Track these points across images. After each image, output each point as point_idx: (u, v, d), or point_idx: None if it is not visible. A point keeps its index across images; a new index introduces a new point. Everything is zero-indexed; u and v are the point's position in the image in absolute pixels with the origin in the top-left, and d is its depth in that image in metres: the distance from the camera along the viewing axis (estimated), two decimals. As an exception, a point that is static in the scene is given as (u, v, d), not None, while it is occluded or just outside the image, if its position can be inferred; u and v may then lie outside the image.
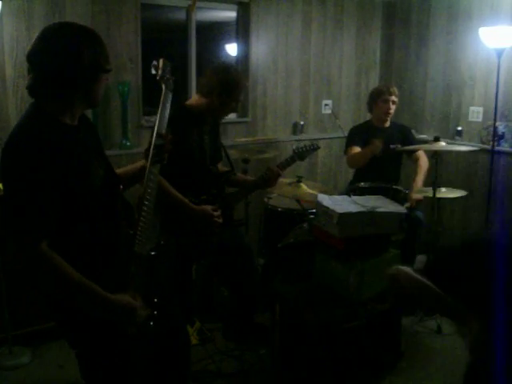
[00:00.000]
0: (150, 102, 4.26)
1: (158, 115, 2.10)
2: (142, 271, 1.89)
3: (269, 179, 3.30)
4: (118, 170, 2.18)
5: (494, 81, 4.38)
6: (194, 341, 3.47)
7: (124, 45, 4.05)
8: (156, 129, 2.07)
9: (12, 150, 1.67)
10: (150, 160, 2.02)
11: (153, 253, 1.96)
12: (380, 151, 3.92)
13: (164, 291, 2.10)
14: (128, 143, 4.08)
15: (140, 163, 2.14)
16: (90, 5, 3.82)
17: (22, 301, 3.32)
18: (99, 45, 1.80)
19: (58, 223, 1.68)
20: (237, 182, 3.41)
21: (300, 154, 3.48)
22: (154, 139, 2.05)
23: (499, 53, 4.29)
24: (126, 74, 4.09)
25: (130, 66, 4.11)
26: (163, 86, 2.16)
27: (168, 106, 2.16)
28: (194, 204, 3.01)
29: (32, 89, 1.76)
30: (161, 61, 2.19)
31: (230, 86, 3.03)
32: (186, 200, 2.98)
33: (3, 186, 1.69)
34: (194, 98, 3.19)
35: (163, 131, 2.07)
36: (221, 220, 3.08)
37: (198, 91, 3.16)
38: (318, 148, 3.68)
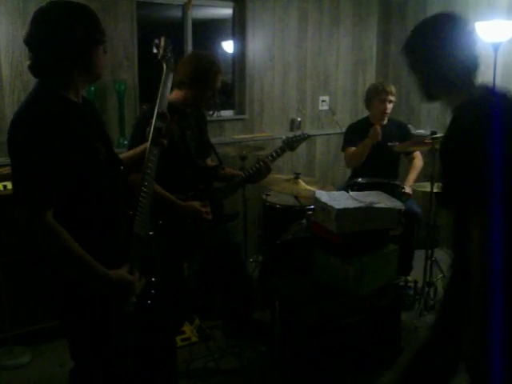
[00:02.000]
0: (147, 100, 4.25)
1: (159, 95, 2.11)
2: (141, 251, 1.91)
3: (258, 172, 3.25)
4: (122, 155, 2.20)
5: (491, 75, 4.38)
6: (193, 338, 3.48)
7: (120, 43, 4.04)
8: (156, 109, 2.07)
9: (18, 124, 1.74)
10: (150, 141, 2.03)
11: (151, 233, 1.97)
12: (380, 136, 3.92)
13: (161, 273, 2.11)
14: (125, 141, 4.07)
15: (142, 147, 2.15)
16: (86, 3, 3.80)
17: (21, 300, 3.32)
18: (91, 18, 1.86)
19: (62, 195, 1.73)
20: (226, 176, 3.33)
21: (290, 144, 3.43)
22: (154, 120, 2.06)
23: (496, 47, 4.28)
24: (122, 72, 4.09)
25: (126, 64, 4.10)
26: (164, 66, 2.17)
27: (169, 85, 2.17)
28: (181, 201, 2.94)
29: (33, 69, 1.82)
30: (162, 39, 2.20)
31: (200, 74, 2.93)
32: (173, 197, 2.91)
33: (10, 158, 1.74)
34: (173, 93, 3.06)
35: (163, 112, 2.08)
36: (210, 216, 3.01)
37: (173, 85, 3.03)
38: (309, 137, 3.63)
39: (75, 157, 1.75)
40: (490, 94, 1.91)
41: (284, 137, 3.50)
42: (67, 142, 1.72)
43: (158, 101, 2.10)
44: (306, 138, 3.57)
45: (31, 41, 1.80)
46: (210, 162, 3.32)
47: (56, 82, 1.81)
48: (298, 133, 3.59)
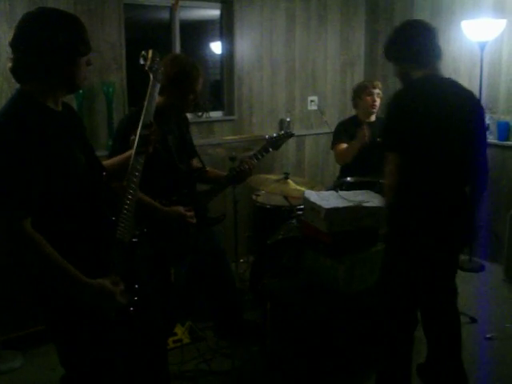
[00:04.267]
0: (136, 103, 4.24)
1: (145, 106, 2.12)
2: (123, 258, 1.91)
3: (241, 174, 3.19)
4: (106, 162, 2.20)
5: (478, 73, 4.41)
6: (185, 340, 3.48)
7: (108, 45, 4.03)
8: (142, 118, 2.08)
9: None
10: (134, 149, 2.04)
11: (134, 239, 1.97)
12: (368, 139, 3.92)
13: (144, 279, 2.10)
14: (114, 144, 4.06)
15: (128, 153, 2.16)
16: (73, 5, 3.80)
17: (11, 304, 3.30)
18: (76, 28, 1.84)
19: (40, 203, 1.71)
20: (209, 178, 3.28)
21: (273, 143, 3.37)
22: (139, 129, 2.06)
23: (482, 46, 4.32)
24: (110, 75, 4.08)
25: (114, 67, 4.09)
26: (151, 77, 2.17)
27: (155, 96, 2.18)
28: (164, 206, 2.88)
29: (14, 72, 1.81)
30: (150, 51, 2.21)
31: (178, 78, 2.85)
32: (156, 203, 2.85)
33: None
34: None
35: (149, 122, 2.09)
36: (194, 220, 2.94)
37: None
38: (292, 135, 3.57)
39: (53, 164, 1.73)
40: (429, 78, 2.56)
41: (267, 136, 3.46)
42: (44, 149, 1.70)
43: (144, 111, 2.11)
44: (289, 136, 3.52)
45: (14, 44, 1.79)
46: (195, 163, 3.27)
47: (35, 88, 1.80)
48: (282, 131, 3.57)
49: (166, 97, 2.91)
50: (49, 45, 1.76)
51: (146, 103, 2.13)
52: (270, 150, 3.37)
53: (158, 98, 2.94)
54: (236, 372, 3.21)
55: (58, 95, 1.87)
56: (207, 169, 3.27)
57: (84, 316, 1.83)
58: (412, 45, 2.55)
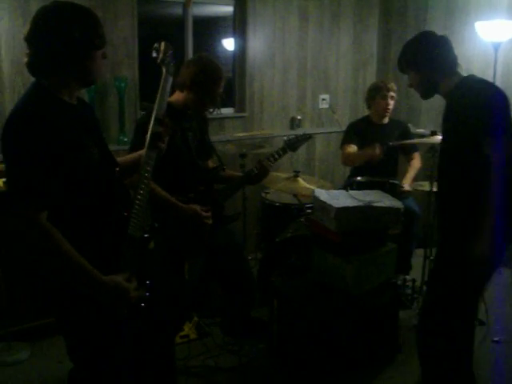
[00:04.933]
0: (147, 98, 4.25)
1: (157, 100, 2.10)
2: (135, 253, 1.90)
3: (258, 174, 3.21)
4: (122, 158, 2.19)
5: (491, 74, 4.38)
6: (192, 335, 3.48)
7: (121, 40, 4.04)
8: (154, 114, 2.07)
9: (11, 124, 1.73)
10: (147, 145, 2.03)
11: (146, 235, 1.96)
12: (379, 157, 3.89)
13: (156, 275, 2.10)
14: (125, 139, 4.07)
15: (140, 151, 2.15)
16: (87, 0, 3.81)
17: (20, 296, 3.33)
18: (91, 22, 1.84)
19: (56, 196, 1.72)
20: (225, 178, 3.30)
21: (291, 145, 3.38)
22: (151, 125, 2.06)
23: (496, 47, 4.29)
24: (123, 70, 4.09)
25: (126, 62, 4.10)
26: (164, 70, 2.15)
27: (168, 90, 2.15)
28: (182, 202, 2.91)
29: (30, 66, 1.81)
30: (162, 44, 2.17)
31: (202, 78, 2.92)
32: (174, 199, 2.88)
33: (4, 160, 1.73)
34: (174, 95, 3.06)
35: (161, 117, 2.07)
36: (210, 221, 2.97)
37: (175, 87, 3.03)
38: (310, 138, 3.56)
39: (67, 158, 1.73)
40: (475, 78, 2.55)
41: (285, 137, 3.44)
42: (59, 143, 1.71)
43: (155, 105, 2.09)
44: (307, 138, 3.50)
45: (30, 38, 1.79)
46: (210, 163, 3.31)
47: (50, 82, 1.80)
48: (300, 133, 3.53)
49: (187, 95, 2.98)
50: (64, 39, 1.76)
51: (158, 97, 2.11)
52: (288, 151, 3.37)
53: (179, 95, 3.01)
54: (242, 369, 3.21)
55: (73, 89, 1.87)
56: (225, 168, 3.28)
57: (95, 310, 1.83)
58: (440, 53, 2.54)
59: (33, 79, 1.85)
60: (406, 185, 4.04)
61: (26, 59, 1.81)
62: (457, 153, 2.42)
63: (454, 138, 2.44)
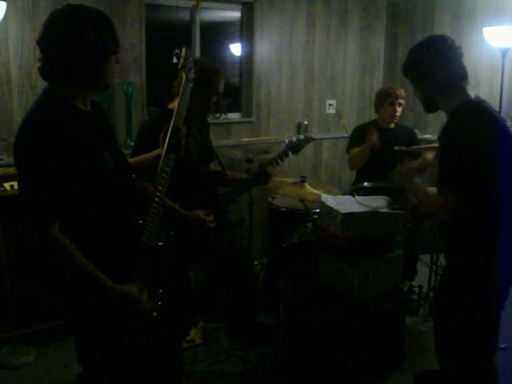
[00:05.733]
0: (155, 102, 4.27)
1: (178, 106, 2.10)
2: (149, 262, 1.89)
3: (261, 176, 3.18)
4: (133, 159, 2.18)
5: (499, 80, 4.38)
6: (197, 340, 3.48)
7: (128, 45, 4.06)
8: (173, 120, 2.08)
9: (24, 133, 1.69)
10: (165, 149, 2.02)
11: (160, 243, 1.95)
12: (378, 143, 3.87)
13: (168, 283, 2.10)
14: (132, 143, 4.06)
15: (157, 151, 2.14)
16: (94, 5, 3.82)
17: (26, 300, 3.33)
18: (106, 26, 1.81)
19: (68, 207, 1.69)
20: (230, 181, 3.28)
21: (293, 147, 3.34)
22: (170, 130, 2.05)
23: (503, 53, 4.29)
24: (130, 74, 4.10)
25: (134, 66, 4.12)
26: (184, 76, 2.14)
27: (188, 96, 2.15)
28: (185, 208, 2.90)
29: (43, 72, 1.78)
30: (183, 50, 2.17)
31: (200, 81, 2.77)
32: (177, 206, 2.87)
33: (17, 169, 1.71)
34: (174, 101, 2.96)
35: (180, 126, 2.08)
36: (213, 225, 2.96)
37: (174, 93, 2.94)
38: (312, 140, 3.52)
39: (81, 167, 1.71)
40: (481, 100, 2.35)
41: (287, 140, 3.41)
42: (73, 152, 1.68)
43: (175, 112, 2.09)
44: (309, 140, 3.48)
45: (43, 43, 1.75)
46: (212, 166, 3.29)
47: (64, 88, 1.77)
48: (301, 136, 3.52)
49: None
50: (80, 44, 1.72)
51: (178, 104, 2.10)
52: (290, 154, 3.34)
53: (176, 101, 2.99)
54: (248, 374, 3.21)
55: (87, 94, 1.84)
56: (227, 172, 3.27)
57: (109, 315, 1.81)
58: (440, 67, 2.31)
59: (41, 83, 1.83)
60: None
61: (38, 64, 1.77)
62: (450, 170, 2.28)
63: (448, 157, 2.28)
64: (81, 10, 1.80)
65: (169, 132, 2.06)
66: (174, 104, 2.98)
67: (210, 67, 2.93)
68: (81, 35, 1.72)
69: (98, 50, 1.77)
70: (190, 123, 3.04)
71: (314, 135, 3.84)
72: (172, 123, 2.08)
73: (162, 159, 2.02)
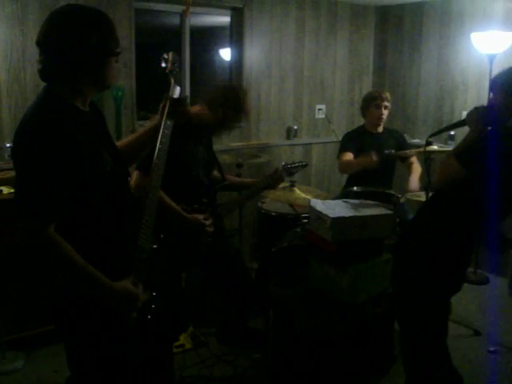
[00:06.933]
0: (144, 107, 4.27)
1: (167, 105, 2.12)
2: (144, 264, 1.89)
3: (277, 180, 3.39)
4: (123, 140, 2.19)
5: (486, 85, 4.41)
6: (187, 345, 3.47)
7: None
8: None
9: (22, 133, 1.68)
10: (165, 114, 2.06)
11: (154, 246, 1.96)
12: (375, 165, 3.91)
13: (161, 286, 2.10)
14: (122, 148, 4.08)
15: (153, 122, 2.14)
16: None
17: (15, 305, 3.31)
18: (107, 27, 1.79)
19: (66, 208, 1.68)
20: (235, 186, 3.49)
21: (288, 170, 3.46)
22: (169, 95, 2.10)
23: (491, 58, 4.32)
24: (120, 79, 4.09)
25: (124, 71, 4.11)
26: (172, 80, 2.17)
27: (175, 96, 2.19)
28: (185, 212, 2.98)
29: (42, 72, 1.76)
30: (170, 54, 2.20)
31: (224, 104, 3.05)
32: (179, 208, 2.95)
33: (15, 168, 1.69)
34: (200, 107, 3.09)
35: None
36: (212, 229, 3.05)
37: (202, 102, 3.11)
38: (306, 165, 3.65)
39: (81, 168, 1.69)
40: None
41: (283, 163, 3.48)
42: (73, 152, 1.66)
43: (170, 89, 2.14)
44: (304, 166, 3.59)
45: (43, 43, 1.73)
46: (215, 172, 3.37)
47: (63, 89, 1.74)
48: (297, 160, 3.60)
49: (213, 113, 3.06)
50: (81, 45, 1.70)
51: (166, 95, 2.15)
52: (285, 178, 3.47)
53: (204, 109, 3.05)
54: (238, 379, 3.21)
55: (87, 95, 1.83)
56: (226, 181, 3.37)
57: (102, 319, 1.81)
58: None
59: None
60: (414, 184, 4.03)
61: (39, 66, 1.75)
62: None
63: None
64: (81, 9, 1.79)
65: (169, 96, 2.10)
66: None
67: (234, 92, 3.17)
68: (83, 36, 1.70)
69: (100, 51, 1.75)
70: (202, 133, 3.14)
71: (304, 140, 3.86)
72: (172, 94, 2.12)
73: (161, 127, 2.05)
